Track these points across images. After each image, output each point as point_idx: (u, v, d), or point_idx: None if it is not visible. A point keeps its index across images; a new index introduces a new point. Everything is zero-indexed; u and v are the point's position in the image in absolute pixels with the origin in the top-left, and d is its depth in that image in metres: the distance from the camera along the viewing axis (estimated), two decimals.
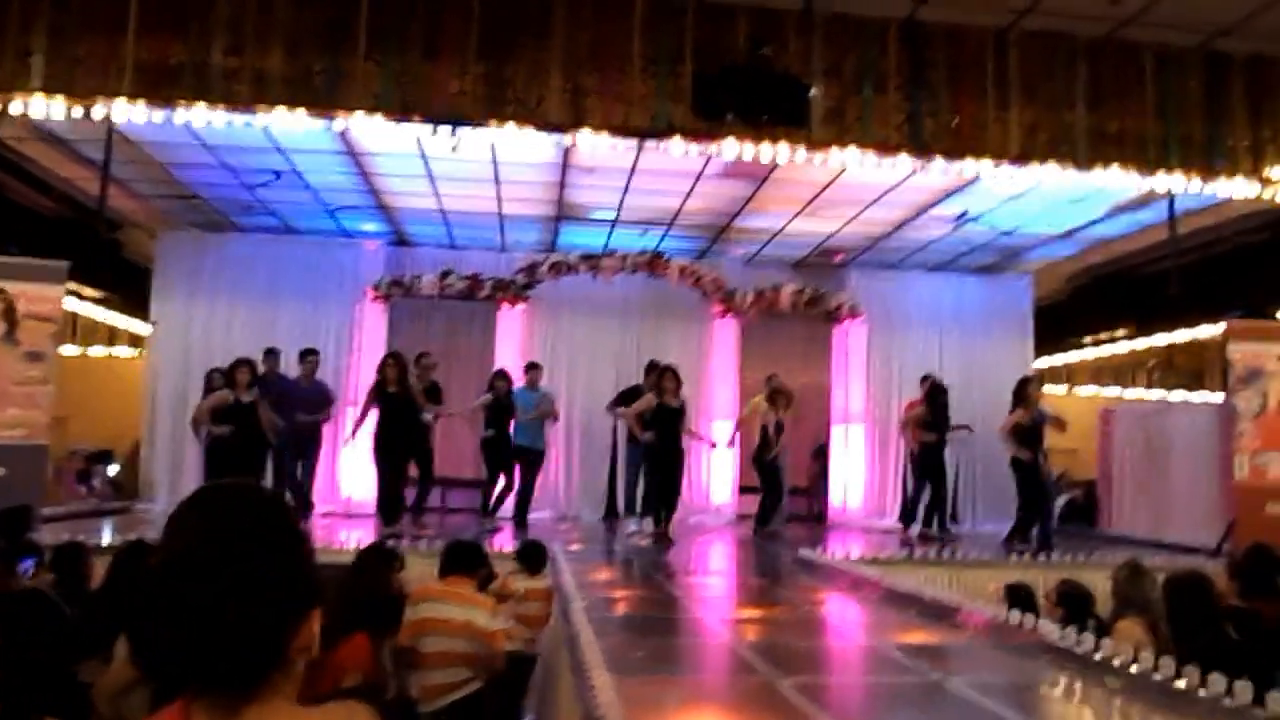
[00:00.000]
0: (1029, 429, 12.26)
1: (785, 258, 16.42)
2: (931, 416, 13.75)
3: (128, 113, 9.74)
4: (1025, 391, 12.53)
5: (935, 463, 13.75)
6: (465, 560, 6.82)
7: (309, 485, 13.66)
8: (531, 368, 14.07)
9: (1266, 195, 11.07)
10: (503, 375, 13.68)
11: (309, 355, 13.83)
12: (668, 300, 16.09)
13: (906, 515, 14.34)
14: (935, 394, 13.87)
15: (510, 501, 13.46)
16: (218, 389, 12.64)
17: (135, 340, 18.00)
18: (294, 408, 13.33)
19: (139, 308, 16.00)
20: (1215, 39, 10.66)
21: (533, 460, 13.57)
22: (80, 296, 15.88)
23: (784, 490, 14.08)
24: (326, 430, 14.18)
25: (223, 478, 1.90)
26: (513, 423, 13.44)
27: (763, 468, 13.81)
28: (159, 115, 9.75)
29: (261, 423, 12.26)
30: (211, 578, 1.54)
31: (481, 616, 6.33)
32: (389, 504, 12.01)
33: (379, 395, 12.11)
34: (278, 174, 12.71)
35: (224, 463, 11.99)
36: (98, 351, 18.36)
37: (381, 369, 12.31)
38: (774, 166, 11.34)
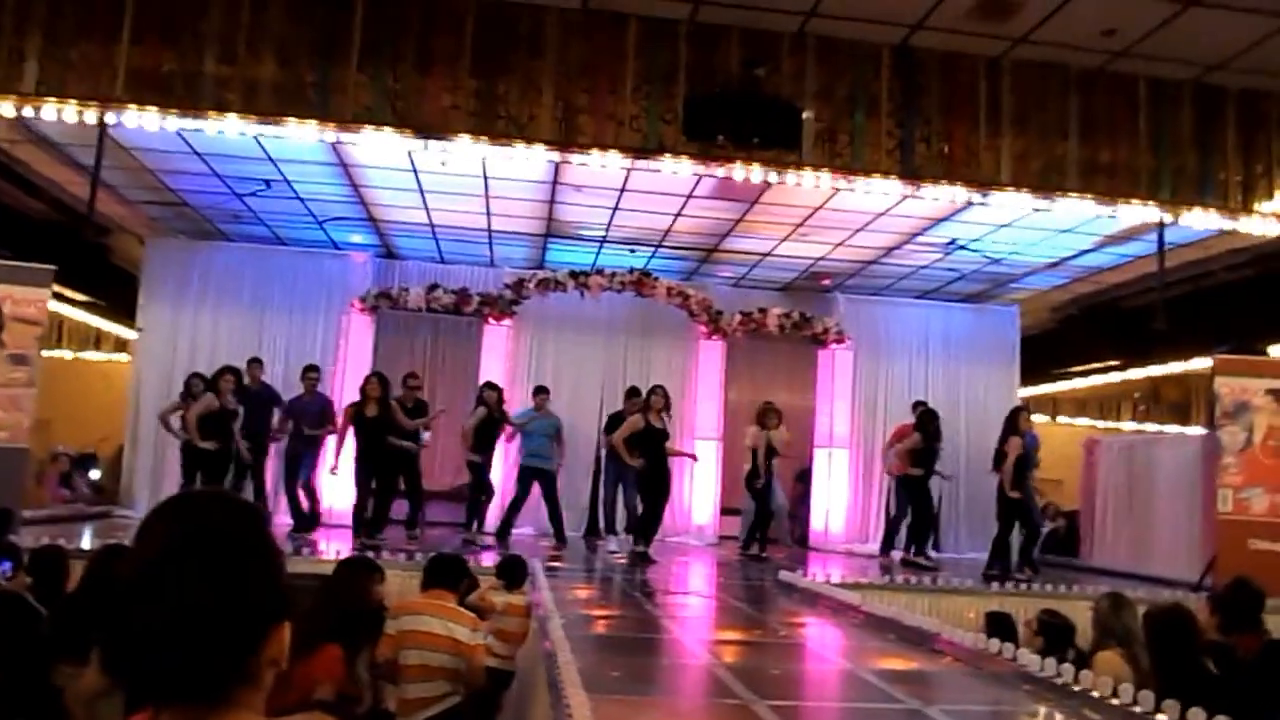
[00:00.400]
0: (1020, 458, 12.25)
1: (773, 280, 16.45)
2: (923, 443, 13.67)
3: (119, 118, 9.73)
4: (1016, 422, 12.52)
5: (921, 489, 13.67)
6: (448, 574, 6.81)
7: (296, 497, 13.54)
8: (539, 391, 13.98)
9: (1257, 230, 11.11)
10: (492, 386, 13.55)
11: (310, 372, 13.73)
12: (654, 320, 16.05)
13: (887, 540, 14.31)
14: (926, 420, 13.77)
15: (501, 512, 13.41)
16: (198, 394, 12.56)
17: (121, 345, 17.94)
18: (301, 422, 13.32)
19: (126, 313, 15.94)
20: (1208, 73, 10.70)
21: (547, 479, 13.48)
22: (67, 300, 15.84)
23: (772, 513, 14.02)
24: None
25: (199, 483, 1.88)
26: (506, 442, 13.40)
27: (753, 492, 13.69)
28: (151, 121, 9.73)
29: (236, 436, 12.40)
30: (181, 586, 1.51)
31: (463, 631, 6.30)
32: (372, 518, 11.99)
33: (357, 420, 12.07)
34: (268, 183, 12.70)
35: (201, 468, 12.01)
36: (84, 355, 18.30)
37: (363, 388, 12.25)
38: (764, 189, 11.36)
